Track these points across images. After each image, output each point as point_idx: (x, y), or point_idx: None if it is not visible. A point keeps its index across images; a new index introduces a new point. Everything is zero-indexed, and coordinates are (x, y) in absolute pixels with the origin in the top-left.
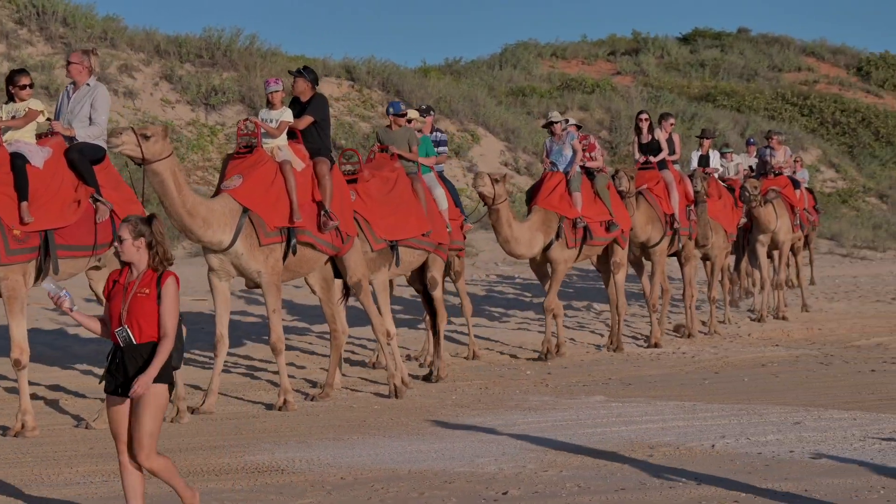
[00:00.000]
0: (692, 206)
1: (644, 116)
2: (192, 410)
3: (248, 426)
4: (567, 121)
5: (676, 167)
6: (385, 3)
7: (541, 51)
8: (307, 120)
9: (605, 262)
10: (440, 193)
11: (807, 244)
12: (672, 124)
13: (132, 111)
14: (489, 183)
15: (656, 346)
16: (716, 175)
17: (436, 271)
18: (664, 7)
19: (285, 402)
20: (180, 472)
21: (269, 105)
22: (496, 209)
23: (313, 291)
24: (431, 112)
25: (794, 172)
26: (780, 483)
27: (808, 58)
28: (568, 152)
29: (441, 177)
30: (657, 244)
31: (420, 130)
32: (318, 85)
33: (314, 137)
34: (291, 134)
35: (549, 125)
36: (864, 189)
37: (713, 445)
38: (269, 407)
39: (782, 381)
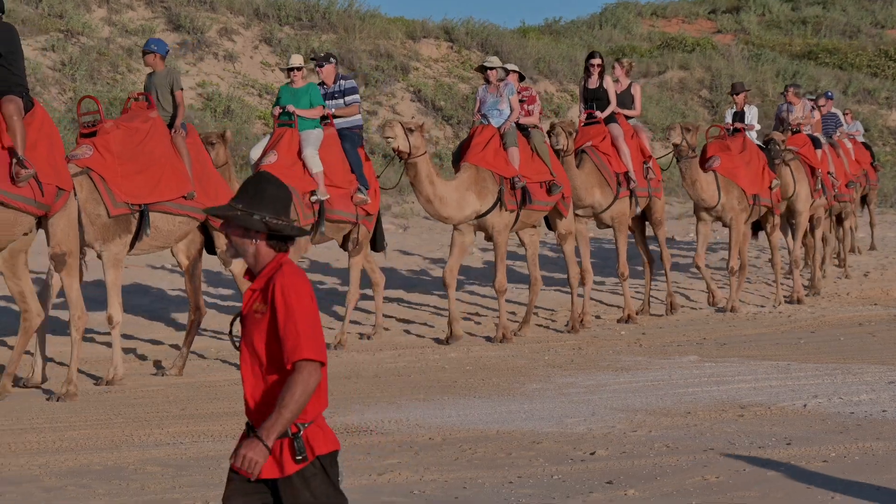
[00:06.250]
0: (649, 164)
1: (596, 62)
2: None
3: (339, 387)
4: (506, 69)
5: (634, 122)
6: None
7: (641, 10)
8: None
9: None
10: (311, 153)
11: (865, 204)
12: (626, 71)
13: (232, 74)
14: (401, 133)
15: (629, 319)
16: (753, 133)
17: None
18: None
19: None
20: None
21: None
22: (413, 163)
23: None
24: (332, 59)
25: (843, 126)
26: (871, 443)
27: None
28: (505, 108)
29: (342, 134)
30: (607, 209)
31: (322, 84)
32: (2, 13)
33: (1, 73)
34: None
35: (483, 71)
36: None
37: (805, 405)
38: (360, 370)
39: (879, 341)
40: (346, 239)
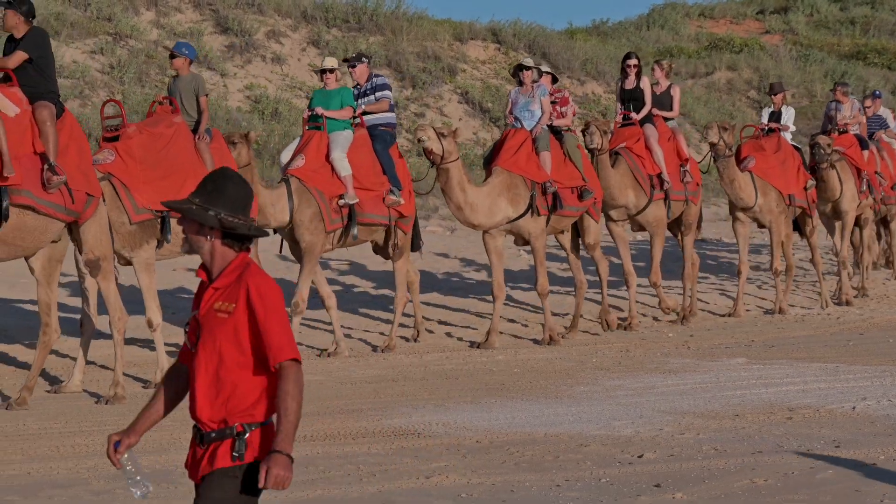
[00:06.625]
0: (686, 167)
1: (633, 62)
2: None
3: (387, 390)
4: (540, 70)
5: (672, 124)
6: None
7: (689, 11)
8: (19, 57)
9: (574, 240)
10: (339, 156)
11: None
12: (666, 73)
13: (280, 77)
14: (434, 136)
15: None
16: (788, 135)
17: None
18: None
19: None
20: (318, 436)
21: None
22: (445, 168)
23: (31, 270)
24: (364, 59)
25: (890, 127)
26: None
27: None
28: (536, 109)
29: (373, 134)
30: (643, 210)
31: (357, 85)
32: (34, 17)
33: (32, 78)
34: (7, 77)
35: (519, 70)
36: None
37: (854, 408)
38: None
39: None
40: (385, 243)
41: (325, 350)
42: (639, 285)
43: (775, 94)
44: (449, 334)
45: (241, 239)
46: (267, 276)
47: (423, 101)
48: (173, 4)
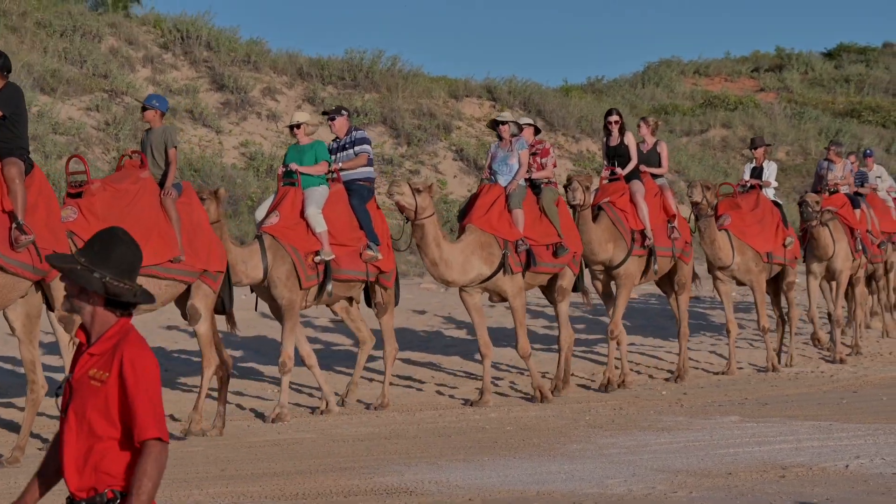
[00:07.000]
0: (674, 223)
1: (614, 119)
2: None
3: (379, 447)
4: (519, 125)
5: (661, 181)
6: (526, 23)
7: (683, 68)
8: None
9: (553, 291)
10: (314, 213)
11: None
12: (652, 129)
13: (275, 133)
14: (408, 192)
15: (616, 386)
16: (770, 191)
17: (198, 301)
18: (808, 22)
19: None
20: (310, 494)
21: None
22: (420, 224)
23: (11, 330)
24: (343, 112)
25: (873, 181)
26: None
27: None
28: (514, 163)
29: (350, 189)
30: (620, 264)
31: (336, 139)
32: (9, 73)
33: (3, 135)
34: None
35: (495, 125)
36: None
37: (847, 466)
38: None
39: None
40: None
41: (318, 408)
42: (631, 344)
43: (756, 149)
44: (440, 392)
45: (124, 305)
46: (144, 347)
47: (417, 157)
48: (169, 62)
